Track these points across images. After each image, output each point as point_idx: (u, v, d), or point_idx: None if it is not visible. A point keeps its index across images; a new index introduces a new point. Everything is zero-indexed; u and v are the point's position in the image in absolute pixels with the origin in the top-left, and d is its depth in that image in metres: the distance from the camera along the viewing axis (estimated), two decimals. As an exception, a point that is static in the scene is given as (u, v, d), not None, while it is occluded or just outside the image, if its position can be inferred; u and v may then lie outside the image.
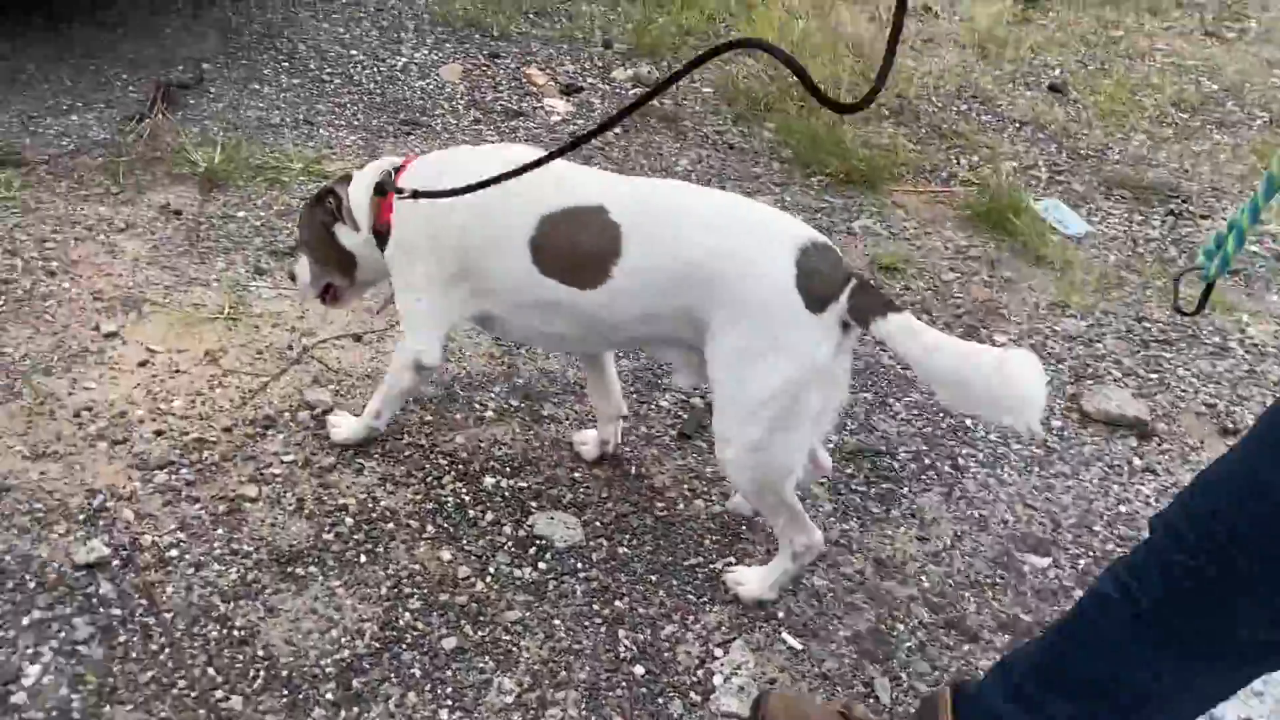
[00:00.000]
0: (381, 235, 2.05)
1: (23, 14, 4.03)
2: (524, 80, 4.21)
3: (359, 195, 2.06)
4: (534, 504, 2.19)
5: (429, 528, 2.09)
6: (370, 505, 2.12)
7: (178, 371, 2.40)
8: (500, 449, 2.32)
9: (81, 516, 1.99)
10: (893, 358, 2.80)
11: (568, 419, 2.44)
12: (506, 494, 2.20)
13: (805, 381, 1.74)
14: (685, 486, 2.30)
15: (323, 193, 2.12)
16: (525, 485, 2.23)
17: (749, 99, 4.17)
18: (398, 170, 2.04)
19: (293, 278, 2.26)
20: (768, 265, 1.74)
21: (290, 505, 2.09)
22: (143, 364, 2.40)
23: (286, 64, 4.01)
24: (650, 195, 1.88)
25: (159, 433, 2.21)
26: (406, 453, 2.27)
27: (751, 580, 2.01)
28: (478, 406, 2.45)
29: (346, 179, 2.10)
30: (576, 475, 2.28)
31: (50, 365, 2.35)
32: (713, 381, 1.83)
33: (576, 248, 1.85)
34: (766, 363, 1.74)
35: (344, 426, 2.24)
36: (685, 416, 2.50)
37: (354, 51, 4.20)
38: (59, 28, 4.04)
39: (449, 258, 1.96)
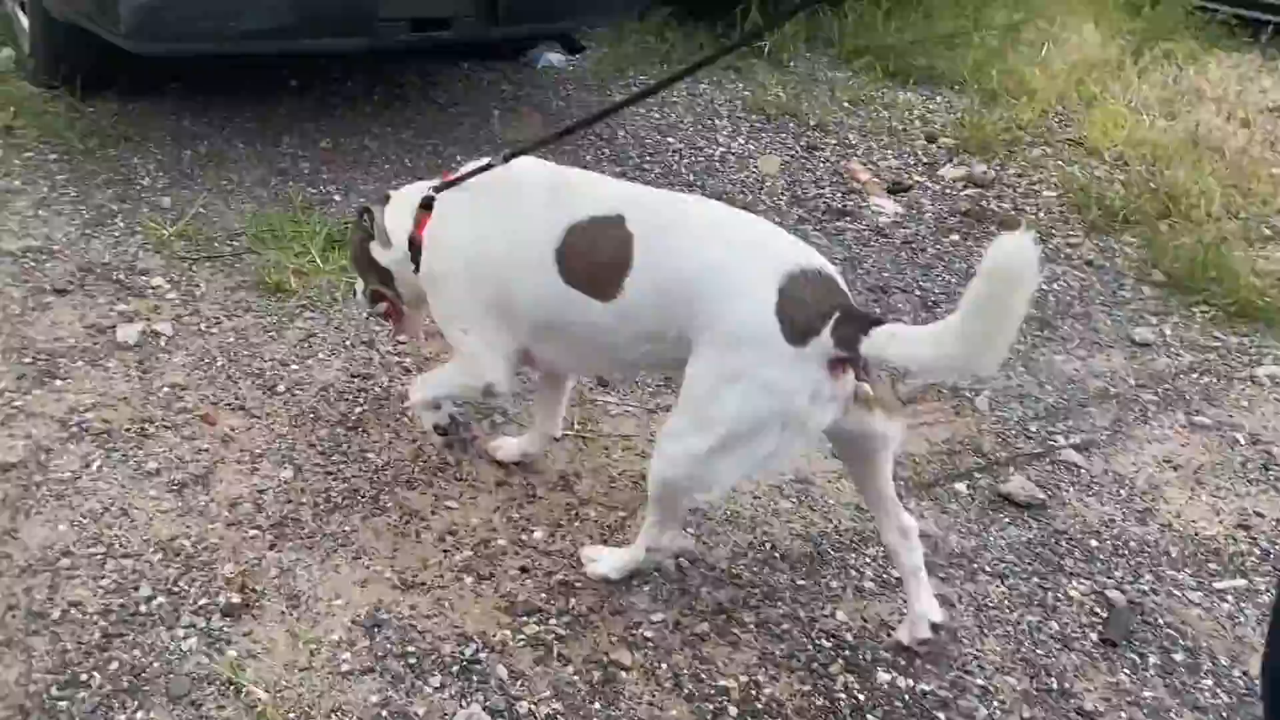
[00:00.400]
0: (416, 249, 2.07)
1: (362, 92, 4.21)
2: (845, 175, 3.96)
3: (398, 215, 2.11)
4: (941, 715, 1.85)
5: (824, 731, 1.80)
6: (753, 692, 1.85)
7: (534, 496, 2.25)
8: (889, 634, 1.99)
9: (455, 668, 1.83)
10: None
11: (963, 602, 2.09)
12: (907, 698, 1.87)
13: (770, 421, 1.70)
14: (1123, 715, 1.88)
15: (360, 210, 2.20)
16: (928, 689, 1.89)
17: (1102, 207, 3.71)
18: (441, 187, 2.07)
19: (354, 294, 2.39)
20: (749, 286, 1.70)
21: (667, 680, 1.86)
22: (500, 484, 2.27)
23: (606, 150, 3.95)
24: (664, 206, 1.92)
25: (524, 570, 2.05)
26: (783, 625, 2.00)
27: (604, 559, 2.03)
28: (854, 573, 2.15)
29: (386, 199, 2.18)
30: (984, 682, 1.92)
31: (412, 477, 2.26)
32: (684, 385, 1.80)
33: (597, 256, 1.85)
34: (738, 387, 1.70)
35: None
36: (1107, 615, 2.09)
37: (670, 139, 4.10)
38: (393, 104, 4.18)
39: (484, 281, 1.97)
